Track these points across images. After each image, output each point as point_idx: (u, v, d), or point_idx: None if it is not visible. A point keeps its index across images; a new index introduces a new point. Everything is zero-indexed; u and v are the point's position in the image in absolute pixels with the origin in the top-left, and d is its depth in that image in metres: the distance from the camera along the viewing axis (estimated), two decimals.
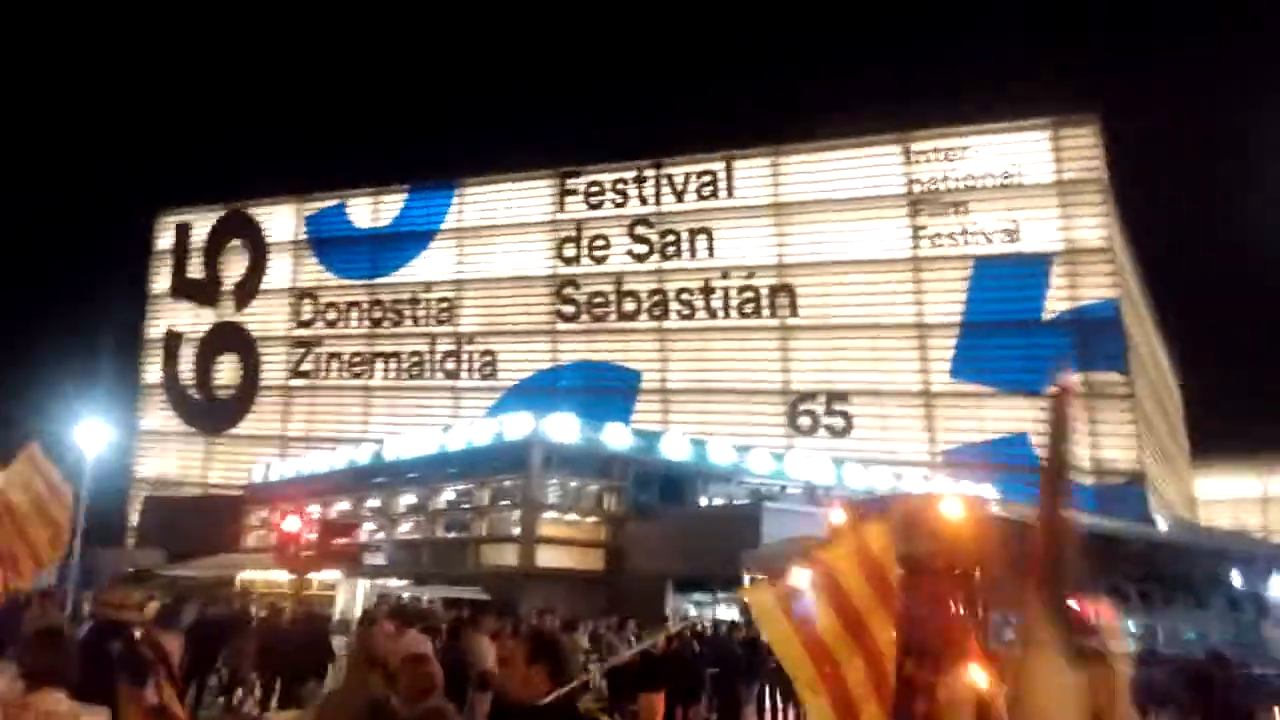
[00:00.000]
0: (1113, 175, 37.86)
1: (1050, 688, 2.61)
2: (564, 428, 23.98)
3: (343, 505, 29.91)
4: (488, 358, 46.44)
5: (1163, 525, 14.46)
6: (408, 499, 27.45)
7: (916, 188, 39.51)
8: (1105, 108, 38.84)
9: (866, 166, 40.53)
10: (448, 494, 26.24)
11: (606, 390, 41.43)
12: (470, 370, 46.67)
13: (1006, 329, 37.00)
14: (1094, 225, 37.23)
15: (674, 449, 25.00)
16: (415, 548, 26.24)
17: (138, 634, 7.50)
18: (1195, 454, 48.09)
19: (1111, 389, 35.35)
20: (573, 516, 23.90)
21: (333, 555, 12.00)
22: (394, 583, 24.95)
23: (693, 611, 19.45)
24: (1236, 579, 13.57)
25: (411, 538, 26.89)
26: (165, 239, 56.01)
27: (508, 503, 24.09)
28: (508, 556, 23.27)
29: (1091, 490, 32.75)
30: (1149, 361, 42.01)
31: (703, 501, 24.50)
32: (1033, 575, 2.72)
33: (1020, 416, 36.36)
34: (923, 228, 39.14)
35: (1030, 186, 38.05)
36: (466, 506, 25.52)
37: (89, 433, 21.03)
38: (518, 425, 23.39)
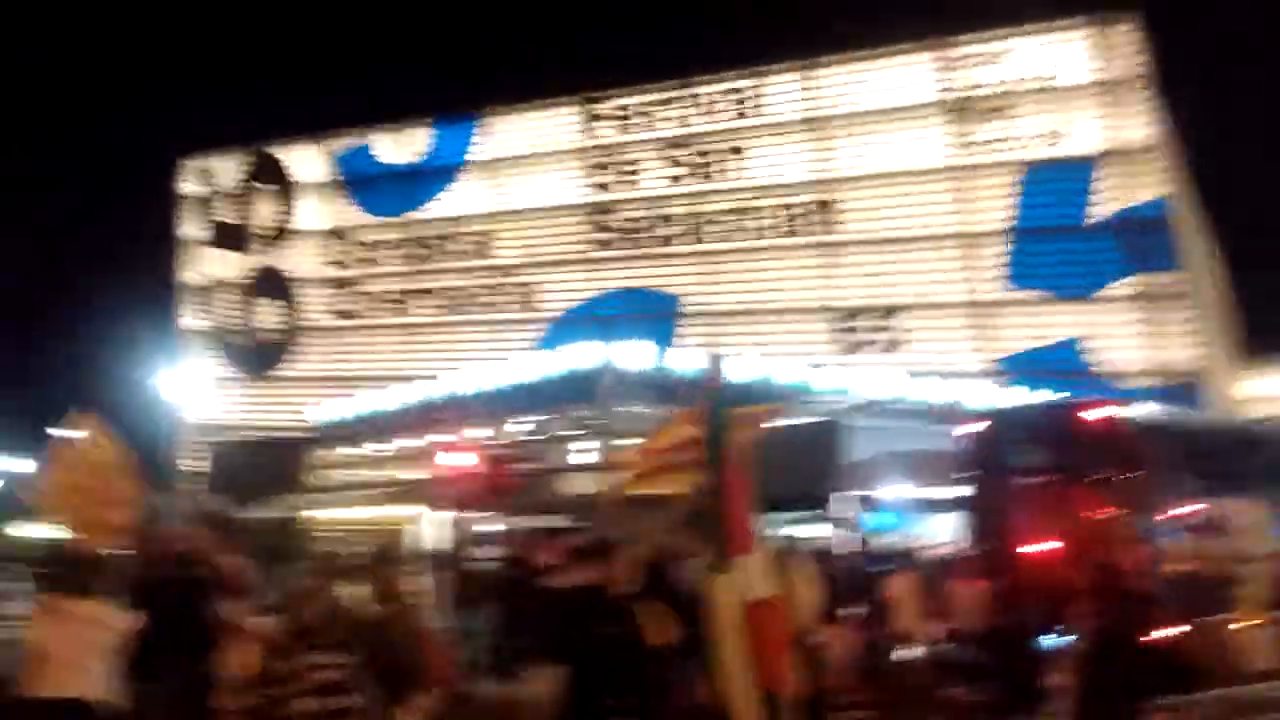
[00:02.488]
0: (1157, 73, 37.09)
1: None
2: (635, 355, 24.07)
3: (413, 441, 30.21)
4: (526, 289, 46.41)
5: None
6: (479, 433, 27.63)
7: (956, 95, 38.82)
8: (1147, 3, 37.83)
9: (902, 75, 39.84)
10: (520, 426, 26.49)
11: (647, 317, 41.34)
12: (509, 303, 46.69)
13: (1055, 234, 36.76)
14: (1138, 125, 36.59)
15: (742, 370, 25.00)
16: None
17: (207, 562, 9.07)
18: (1243, 351, 47.94)
19: (1165, 290, 35.18)
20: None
21: (500, 491, 12.16)
22: (474, 515, 25.31)
23: (785, 532, 19.59)
24: None
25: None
26: (192, 185, 55.81)
27: (582, 432, 24.31)
28: (588, 485, 23.54)
29: (1153, 392, 32.77)
30: (1198, 259, 41.68)
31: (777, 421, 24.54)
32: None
33: (1073, 321, 36.39)
34: (965, 135, 38.57)
35: (1072, 88, 37.38)
36: (541, 438, 25.71)
37: (173, 382, 21.22)
38: (589, 354, 23.48)
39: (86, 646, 6.59)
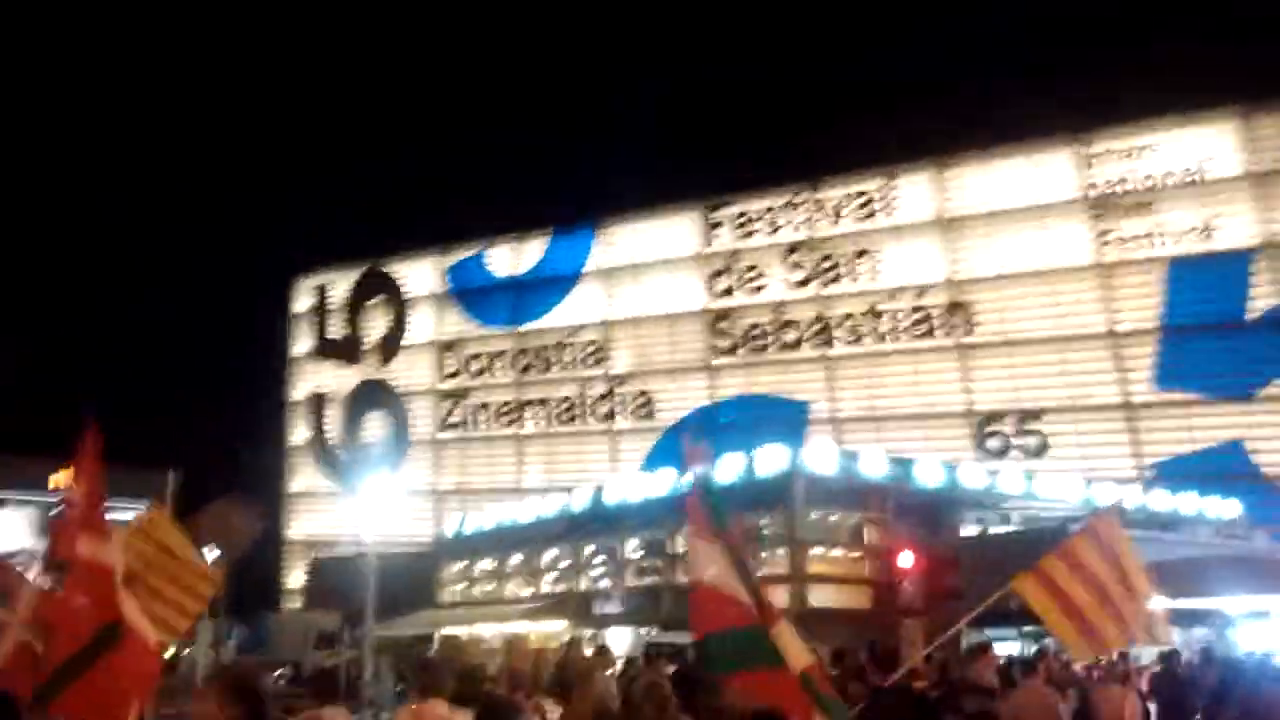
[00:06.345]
0: None
1: None
2: (823, 458, 22.67)
3: (554, 552, 28.97)
4: (643, 398, 45.44)
5: None
6: (635, 544, 26.29)
7: (1095, 191, 37.71)
8: None
9: (1039, 173, 38.86)
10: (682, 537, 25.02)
11: (772, 423, 39.89)
12: (625, 412, 45.70)
13: (1209, 332, 34.94)
14: None
15: (928, 475, 23.53)
16: (654, 594, 24.98)
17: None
18: None
19: None
20: (837, 552, 22.54)
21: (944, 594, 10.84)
22: (644, 632, 23.81)
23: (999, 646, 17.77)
24: None
25: (647, 583, 25.67)
26: (304, 301, 56.27)
27: (761, 542, 22.79)
28: (773, 598, 21.81)
29: None
30: None
31: (967, 530, 23.01)
32: None
33: (1233, 423, 34.30)
34: (1107, 232, 37.32)
35: (1221, 181, 36.04)
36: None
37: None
38: (772, 459, 22.14)
39: None
